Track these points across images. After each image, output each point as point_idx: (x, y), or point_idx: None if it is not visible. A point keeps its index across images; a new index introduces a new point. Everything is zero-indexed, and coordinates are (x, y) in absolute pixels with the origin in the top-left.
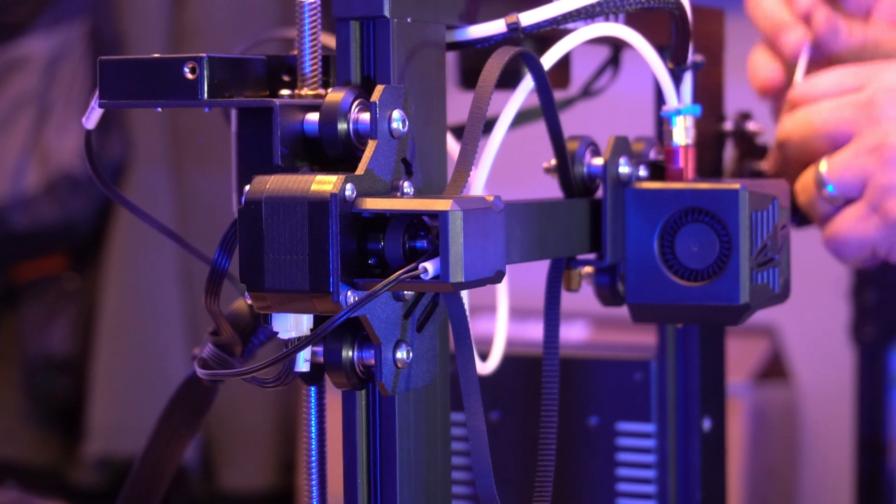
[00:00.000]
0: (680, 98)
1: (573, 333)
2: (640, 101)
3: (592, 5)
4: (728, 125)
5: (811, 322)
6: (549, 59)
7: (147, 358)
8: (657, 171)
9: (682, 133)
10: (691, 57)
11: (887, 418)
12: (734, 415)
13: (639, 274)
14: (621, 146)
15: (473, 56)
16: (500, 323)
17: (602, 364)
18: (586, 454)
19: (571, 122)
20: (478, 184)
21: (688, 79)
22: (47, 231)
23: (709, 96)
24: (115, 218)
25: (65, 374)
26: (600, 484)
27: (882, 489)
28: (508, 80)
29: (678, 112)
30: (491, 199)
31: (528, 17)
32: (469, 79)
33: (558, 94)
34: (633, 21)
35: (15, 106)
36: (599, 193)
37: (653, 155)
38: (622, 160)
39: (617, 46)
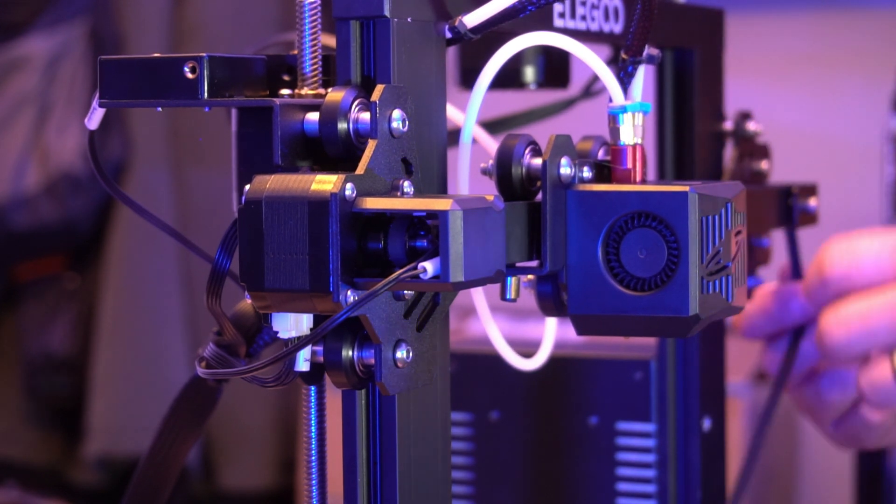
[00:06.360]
0: (630, 94)
1: (572, 332)
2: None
3: None
4: (728, 125)
5: None
6: (487, 73)
7: (147, 358)
8: (605, 172)
9: (630, 131)
10: (647, 50)
11: None
12: (734, 414)
13: (582, 283)
14: (563, 145)
15: (473, 56)
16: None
17: (602, 363)
18: (586, 454)
19: (572, 123)
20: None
21: (640, 73)
22: (47, 231)
23: (709, 96)
24: (116, 218)
25: (65, 374)
26: (600, 484)
27: (882, 489)
28: (507, 80)
29: (624, 109)
30: (491, 198)
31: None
32: (469, 78)
33: (558, 95)
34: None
35: (15, 106)
36: (540, 197)
37: (601, 155)
38: (564, 160)
39: (617, 46)
